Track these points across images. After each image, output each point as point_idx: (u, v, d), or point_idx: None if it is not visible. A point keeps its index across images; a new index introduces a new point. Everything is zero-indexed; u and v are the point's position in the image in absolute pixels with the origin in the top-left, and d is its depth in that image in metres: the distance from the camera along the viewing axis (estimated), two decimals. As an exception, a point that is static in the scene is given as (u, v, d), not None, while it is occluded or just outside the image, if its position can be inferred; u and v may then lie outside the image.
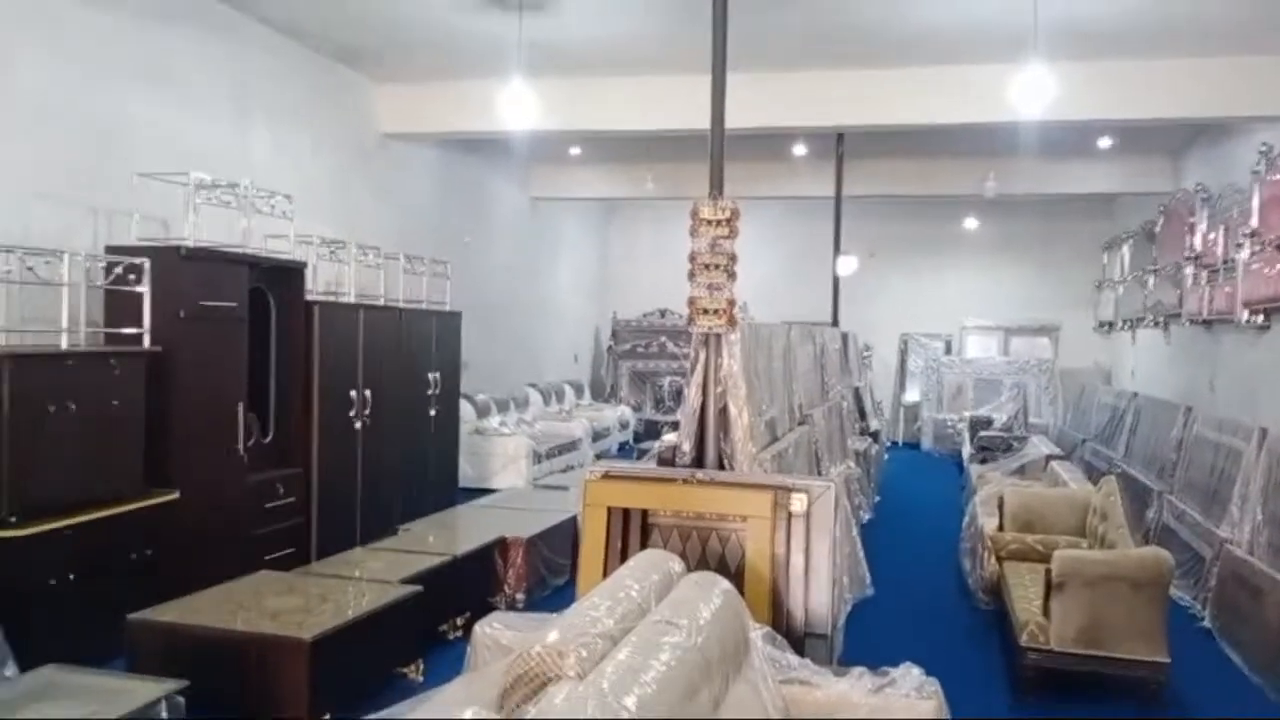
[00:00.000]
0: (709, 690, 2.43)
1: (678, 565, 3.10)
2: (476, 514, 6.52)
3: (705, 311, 3.82)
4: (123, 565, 4.51)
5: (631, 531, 3.83)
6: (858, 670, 2.82)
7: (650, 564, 2.98)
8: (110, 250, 5.08)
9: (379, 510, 6.62)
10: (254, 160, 6.65)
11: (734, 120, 4.08)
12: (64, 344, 4.57)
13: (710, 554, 3.69)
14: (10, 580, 3.88)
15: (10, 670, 3.64)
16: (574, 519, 6.13)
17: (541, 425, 10.60)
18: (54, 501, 4.25)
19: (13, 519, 4.04)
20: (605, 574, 3.66)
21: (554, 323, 13.11)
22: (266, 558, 5.42)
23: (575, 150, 11.10)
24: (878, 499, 8.89)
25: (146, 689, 3.06)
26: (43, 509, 4.18)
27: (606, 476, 3.77)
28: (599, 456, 10.60)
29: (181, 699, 3.09)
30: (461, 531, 5.90)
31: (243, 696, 3.65)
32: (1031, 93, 5.68)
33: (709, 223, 3.81)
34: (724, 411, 3.95)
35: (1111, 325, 12.12)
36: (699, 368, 3.93)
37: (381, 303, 7.04)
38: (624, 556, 3.71)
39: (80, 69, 5.30)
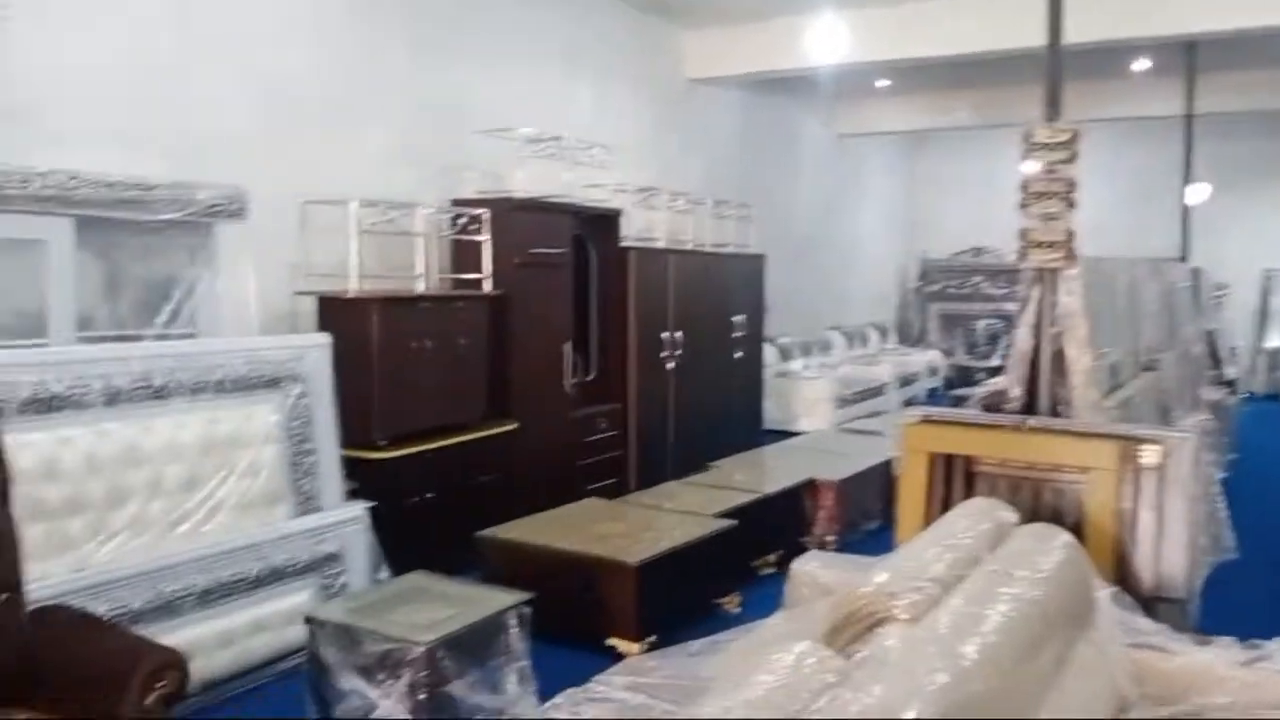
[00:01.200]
0: (1051, 648, 2.29)
1: (1010, 515, 2.93)
2: (783, 455, 6.56)
3: (1039, 245, 3.53)
4: (471, 487, 4.99)
5: (954, 479, 3.68)
6: (1224, 640, 2.54)
7: (981, 512, 2.84)
8: (455, 203, 5.58)
9: (689, 447, 6.85)
10: (577, 115, 7.00)
11: (1070, 35, 3.70)
12: (420, 288, 5.10)
13: (1042, 507, 3.45)
14: (382, 496, 4.41)
15: (384, 574, 4.17)
16: (886, 464, 5.98)
17: (845, 369, 10.43)
18: (415, 428, 4.78)
19: (382, 442, 4.60)
20: (926, 521, 3.55)
21: (858, 264, 12.77)
22: (589, 486, 5.80)
23: (883, 82, 10.65)
24: (1234, 455, 7.90)
25: (499, 598, 3.39)
26: (406, 434, 4.72)
27: (927, 421, 3.63)
28: (906, 403, 10.27)
29: (528, 609, 3.38)
30: (769, 471, 5.97)
31: (577, 612, 3.95)
32: None
33: (1044, 146, 3.49)
34: (1059, 354, 3.66)
35: None
36: (1031, 307, 3.66)
37: (690, 246, 7.21)
38: (945, 505, 3.57)
39: (431, 52, 5.86)
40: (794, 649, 1.85)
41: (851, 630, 2.16)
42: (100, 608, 3.08)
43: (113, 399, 3.45)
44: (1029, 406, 3.67)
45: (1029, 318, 3.66)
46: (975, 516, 2.82)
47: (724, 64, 8.39)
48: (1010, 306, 12.57)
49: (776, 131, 10.52)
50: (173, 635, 3.16)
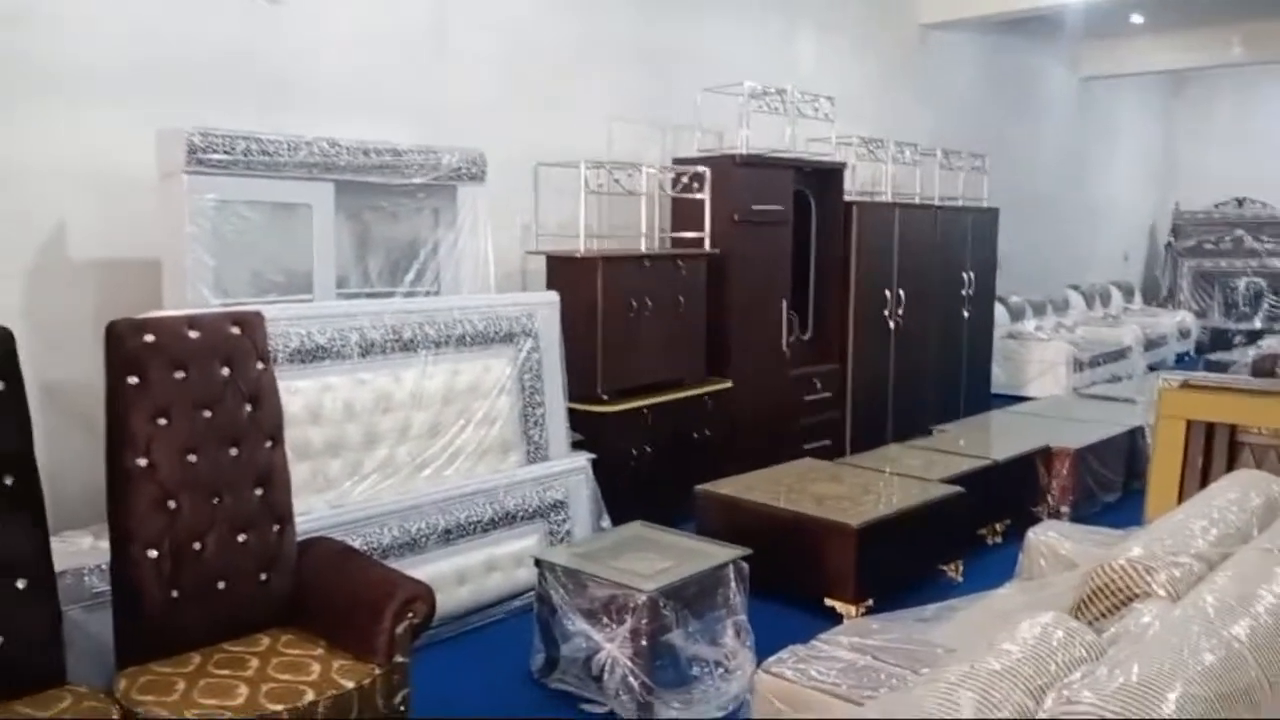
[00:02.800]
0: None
1: (1285, 490, 2.64)
2: (1013, 420, 6.21)
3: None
4: (687, 442, 5.06)
5: (1213, 450, 3.36)
6: None
7: (1249, 485, 2.57)
8: (676, 162, 5.61)
9: (910, 410, 6.63)
10: (800, 67, 6.84)
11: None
12: (642, 247, 5.17)
13: (1320, 482, 3.09)
14: (604, 449, 4.55)
15: (605, 523, 4.31)
16: (1130, 432, 5.57)
17: (1083, 330, 9.72)
18: (636, 383, 4.88)
19: (605, 397, 4.74)
20: (1182, 493, 3.27)
21: (1101, 217, 11.78)
22: (805, 446, 5.73)
23: (1137, 18, 9.71)
24: None
25: (720, 552, 3.42)
26: (628, 390, 4.83)
27: (1186, 386, 3.32)
28: (1152, 367, 9.46)
29: (746, 564, 3.39)
30: (998, 437, 5.67)
31: (793, 571, 3.93)
32: None
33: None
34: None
35: None
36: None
37: (917, 200, 6.91)
38: (1204, 479, 3.27)
39: (654, 6, 5.88)
40: (1041, 619, 1.75)
41: (1102, 605, 2.02)
42: (354, 542, 3.36)
43: (367, 351, 3.74)
44: (1310, 371, 3.28)
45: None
46: (1244, 490, 2.57)
47: (961, 6, 7.92)
48: (1277, 264, 11.30)
49: (1015, 78, 9.85)
50: (416, 570, 3.39)
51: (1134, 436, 5.56)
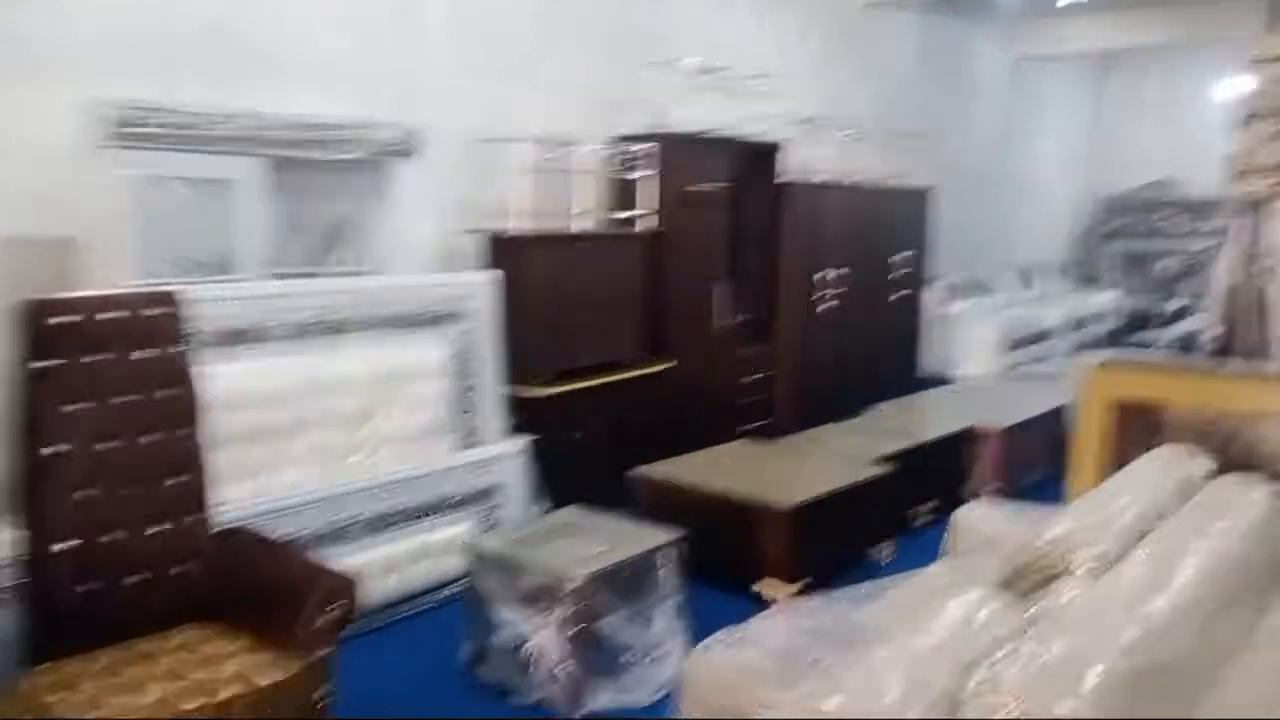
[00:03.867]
0: (1246, 608, 2.10)
1: (1202, 466, 2.72)
2: (943, 400, 6.32)
3: (1252, 171, 3.19)
4: (625, 424, 5.01)
5: (1134, 428, 3.43)
6: None
7: (1173, 461, 2.64)
8: (617, 140, 5.53)
9: (843, 391, 6.67)
10: (743, 45, 6.76)
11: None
12: (580, 226, 5.07)
13: (1233, 458, 3.18)
14: (540, 432, 4.48)
15: (542, 508, 4.27)
16: (1054, 412, 5.68)
17: (1011, 311, 9.91)
18: (573, 365, 4.78)
19: (541, 379, 4.66)
20: (1102, 473, 3.34)
21: (1031, 198, 11.99)
22: (742, 428, 5.75)
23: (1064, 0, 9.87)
24: None
25: (653, 536, 3.40)
26: (564, 372, 4.74)
27: (1109, 365, 3.39)
28: (1079, 347, 9.69)
29: (681, 548, 3.38)
30: (928, 417, 5.75)
31: (728, 554, 3.93)
32: None
33: (1273, 59, 3.13)
34: (1262, 294, 3.33)
35: None
36: (1233, 242, 3.34)
37: (848, 181, 6.95)
38: (1121, 456, 3.34)
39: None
40: (966, 598, 1.76)
41: (1026, 583, 2.05)
42: (279, 532, 3.26)
43: (295, 333, 3.63)
44: (1226, 350, 3.37)
45: (1231, 253, 3.34)
46: (1163, 466, 2.63)
47: (900, -15, 7.95)
48: (1197, 245, 11.66)
49: (953, 56, 9.95)
50: (343, 560, 3.33)
51: (1060, 415, 5.68)
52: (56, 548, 2.42)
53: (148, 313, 2.68)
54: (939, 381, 7.58)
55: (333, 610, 2.50)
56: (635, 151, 5.28)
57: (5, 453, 2.50)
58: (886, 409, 5.95)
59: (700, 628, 2.86)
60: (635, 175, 5.28)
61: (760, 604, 3.57)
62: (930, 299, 8.49)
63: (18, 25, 3.52)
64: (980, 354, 8.68)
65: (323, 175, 4.03)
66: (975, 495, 5.07)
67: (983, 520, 3.02)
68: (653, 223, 5.30)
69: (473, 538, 3.80)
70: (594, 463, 4.75)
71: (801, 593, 3.71)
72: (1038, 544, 2.06)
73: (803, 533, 3.82)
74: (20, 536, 2.45)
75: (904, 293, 7.48)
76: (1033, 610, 1.90)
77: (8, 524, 2.59)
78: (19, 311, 2.48)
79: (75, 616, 2.44)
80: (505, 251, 4.69)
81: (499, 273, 4.40)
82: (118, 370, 2.58)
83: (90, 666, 2.36)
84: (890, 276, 7.33)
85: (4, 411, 2.52)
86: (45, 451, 2.45)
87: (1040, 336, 9.47)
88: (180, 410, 2.72)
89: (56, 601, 2.42)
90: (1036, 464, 5.50)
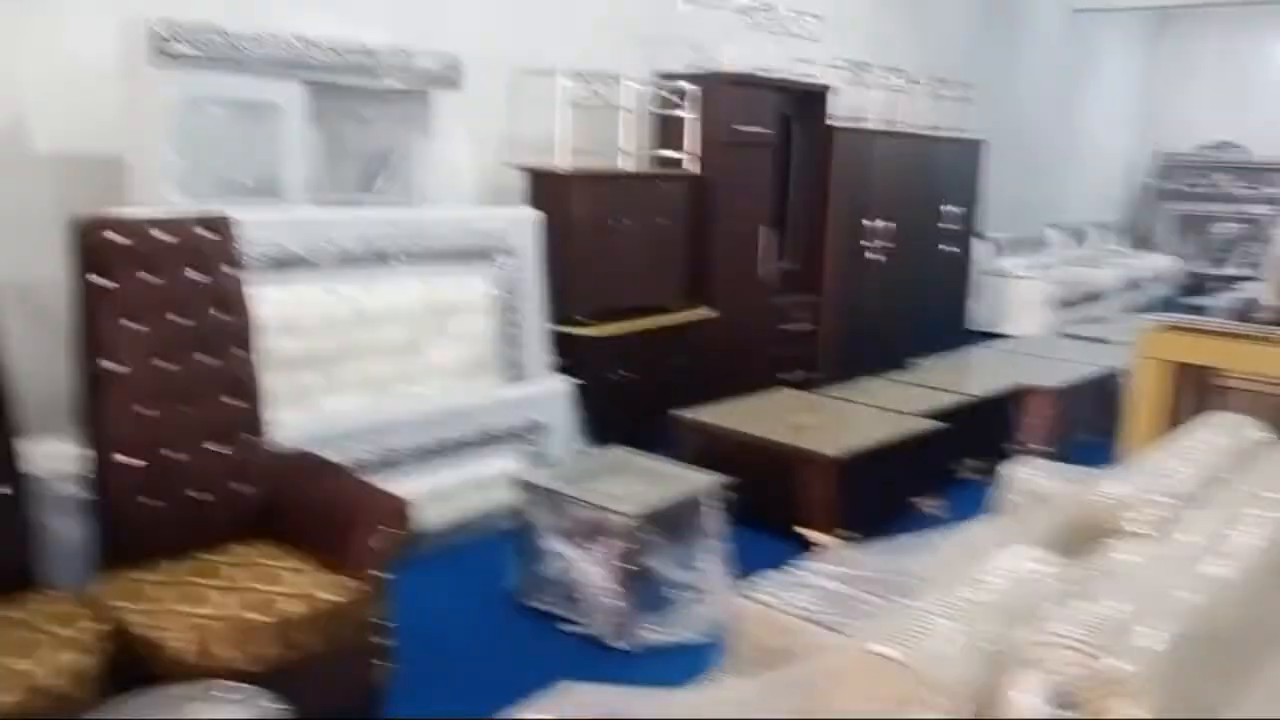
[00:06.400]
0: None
1: (1259, 433, 2.67)
2: (992, 357, 6.24)
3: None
4: (666, 368, 5.02)
5: (1188, 392, 3.39)
6: None
7: (1228, 428, 2.59)
8: (660, 77, 5.45)
9: (887, 343, 6.61)
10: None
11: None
12: (623, 165, 5.03)
13: (1292, 426, 3.13)
14: (583, 372, 4.49)
15: (584, 446, 4.29)
16: (1109, 374, 5.59)
17: (1063, 270, 9.73)
18: (613, 306, 4.79)
19: (580, 318, 4.66)
20: (1158, 435, 3.30)
21: (1084, 156, 11.68)
22: (780, 376, 5.71)
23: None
24: None
25: (700, 478, 3.42)
26: (605, 313, 4.73)
27: (1167, 328, 3.33)
28: (1132, 309, 9.50)
29: (725, 492, 3.40)
30: (975, 374, 5.69)
31: (770, 500, 3.93)
32: None
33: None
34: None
35: None
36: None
37: (900, 129, 6.81)
38: (1177, 417, 3.30)
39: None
40: (1017, 552, 1.75)
41: (1077, 540, 2.04)
42: (330, 457, 3.31)
43: (341, 261, 3.65)
44: (1289, 317, 3.29)
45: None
46: (1219, 432, 2.58)
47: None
48: (1258, 209, 11.34)
49: (1005, 4, 9.66)
50: (392, 487, 3.38)
51: (1113, 378, 5.59)
52: (119, 459, 2.48)
53: (200, 233, 2.70)
54: (987, 338, 7.50)
55: (389, 530, 2.54)
56: (681, 89, 5.18)
57: (66, 367, 2.55)
58: (932, 364, 5.90)
59: (744, 571, 2.88)
60: (680, 114, 5.19)
61: (805, 549, 3.59)
62: (980, 253, 8.35)
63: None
64: (1031, 312, 8.56)
65: (365, 104, 4.00)
66: (1026, 453, 5.01)
67: (1034, 477, 2.99)
68: (696, 164, 5.23)
69: (523, 471, 3.84)
70: (633, 404, 4.77)
71: (846, 541, 3.71)
72: (1092, 500, 2.04)
73: (851, 482, 3.81)
74: (88, 450, 2.52)
75: (953, 246, 7.37)
76: (1084, 568, 1.89)
77: (73, 438, 2.65)
78: (73, 226, 2.50)
79: (140, 527, 2.50)
80: (548, 188, 4.65)
81: (539, 209, 4.37)
82: (173, 290, 2.61)
83: (152, 575, 2.43)
84: (939, 228, 7.21)
85: (63, 326, 2.56)
86: (105, 364, 2.49)
87: (1093, 296, 9.31)
88: (235, 332, 2.75)
89: (123, 512, 2.49)
90: (1087, 427, 5.42)
